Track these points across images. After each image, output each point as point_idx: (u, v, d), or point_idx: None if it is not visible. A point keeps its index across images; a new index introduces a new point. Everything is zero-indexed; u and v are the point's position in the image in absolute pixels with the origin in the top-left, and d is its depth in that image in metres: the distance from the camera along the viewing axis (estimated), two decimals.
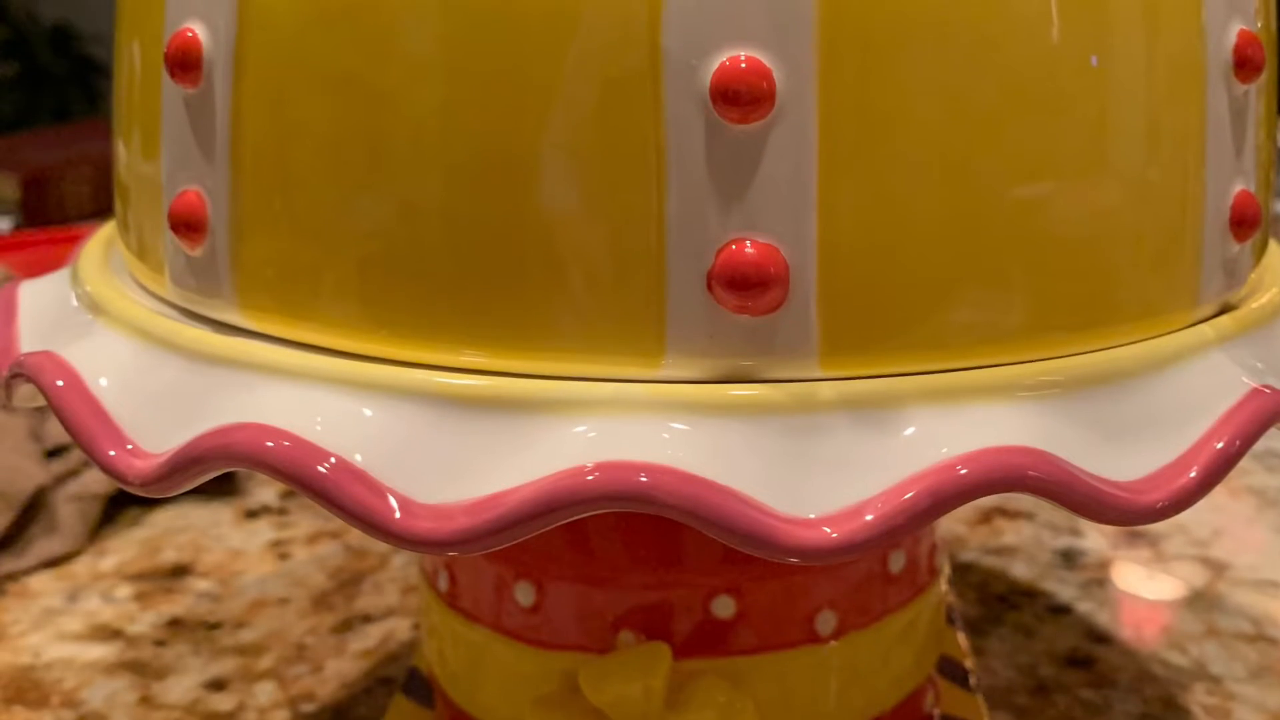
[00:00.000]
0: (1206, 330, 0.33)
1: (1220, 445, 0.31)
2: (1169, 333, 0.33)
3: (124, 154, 0.37)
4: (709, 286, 0.29)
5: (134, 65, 0.36)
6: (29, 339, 0.37)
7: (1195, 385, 0.32)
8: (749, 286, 0.29)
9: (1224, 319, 0.34)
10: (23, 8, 1.79)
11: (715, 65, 0.29)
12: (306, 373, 0.31)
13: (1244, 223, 0.34)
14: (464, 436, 0.30)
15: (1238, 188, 0.34)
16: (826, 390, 0.30)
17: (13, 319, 0.38)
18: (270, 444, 0.29)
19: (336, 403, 0.30)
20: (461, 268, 0.30)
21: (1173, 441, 0.31)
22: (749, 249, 0.29)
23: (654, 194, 0.29)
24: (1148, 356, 0.32)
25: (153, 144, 0.35)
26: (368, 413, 0.30)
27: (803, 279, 0.29)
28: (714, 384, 0.30)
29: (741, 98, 0.29)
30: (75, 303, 0.37)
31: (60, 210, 1.15)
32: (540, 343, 0.30)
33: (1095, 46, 0.31)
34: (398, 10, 0.30)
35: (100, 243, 0.41)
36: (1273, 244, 0.40)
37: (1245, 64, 0.34)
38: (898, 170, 0.30)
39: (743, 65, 0.29)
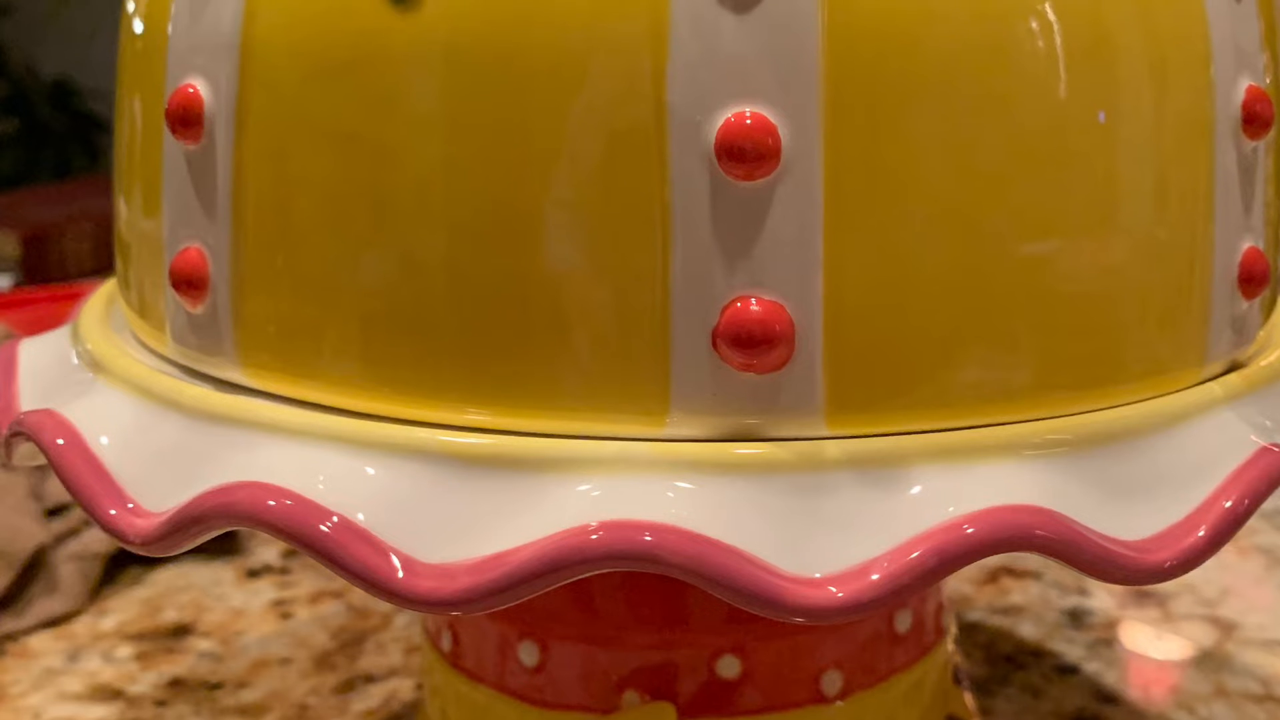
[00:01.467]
0: (1215, 388, 0.33)
1: (1229, 504, 0.31)
2: (1177, 391, 0.33)
3: (125, 211, 0.37)
4: (714, 344, 0.29)
5: (135, 121, 0.36)
6: (29, 397, 0.37)
7: (1203, 444, 0.32)
8: (754, 344, 0.29)
9: (1233, 377, 0.34)
10: (22, 63, 1.79)
11: (720, 121, 0.29)
12: (308, 431, 0.31)
13: (1252, 280, 0.34)
14: (467, 495, 0.29)
15: (1246, 245, 0.34)
16: (832, 449, 0.29)
17: (13, 377, 0.38)
18: (272, 503, 0.29)
19: (339, 461, 0.30)
20: (464, 325, 0.30)
21: (1181, 500, 0.31)
22: (754, 306, 0.29)
23: (659, 251, 0.29)
24: (1155, 415, 0.32)
25: (154, 201, 0.34)
26: (370, 471, 0.30)
27: (808, 337, 0.29)
28: (719, 442, 0.30)
29: (747, 154, 0.28)
30: (76, 360, 0.37)
31: (61, 268, 1.15)
32: (544, 401, 0.30)
33: (1103, 103, 0.31)
34: (400, 65, 0.30)
35: (101, 300, 0.41)
36: None
37: (1254, 120, 0.34)
38: (904, 227, 0.30)
39: (748, 121, 0.28)
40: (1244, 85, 0.34)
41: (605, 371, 0.30)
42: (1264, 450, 0.32)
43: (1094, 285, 0.31)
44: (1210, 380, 0.34)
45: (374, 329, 0.31)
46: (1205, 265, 0.33)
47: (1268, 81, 0.35)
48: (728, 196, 0.29)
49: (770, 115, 0.29)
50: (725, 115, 0.29)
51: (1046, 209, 0.31)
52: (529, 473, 0.29)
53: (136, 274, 0.37)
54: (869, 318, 0.30)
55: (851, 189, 0.29)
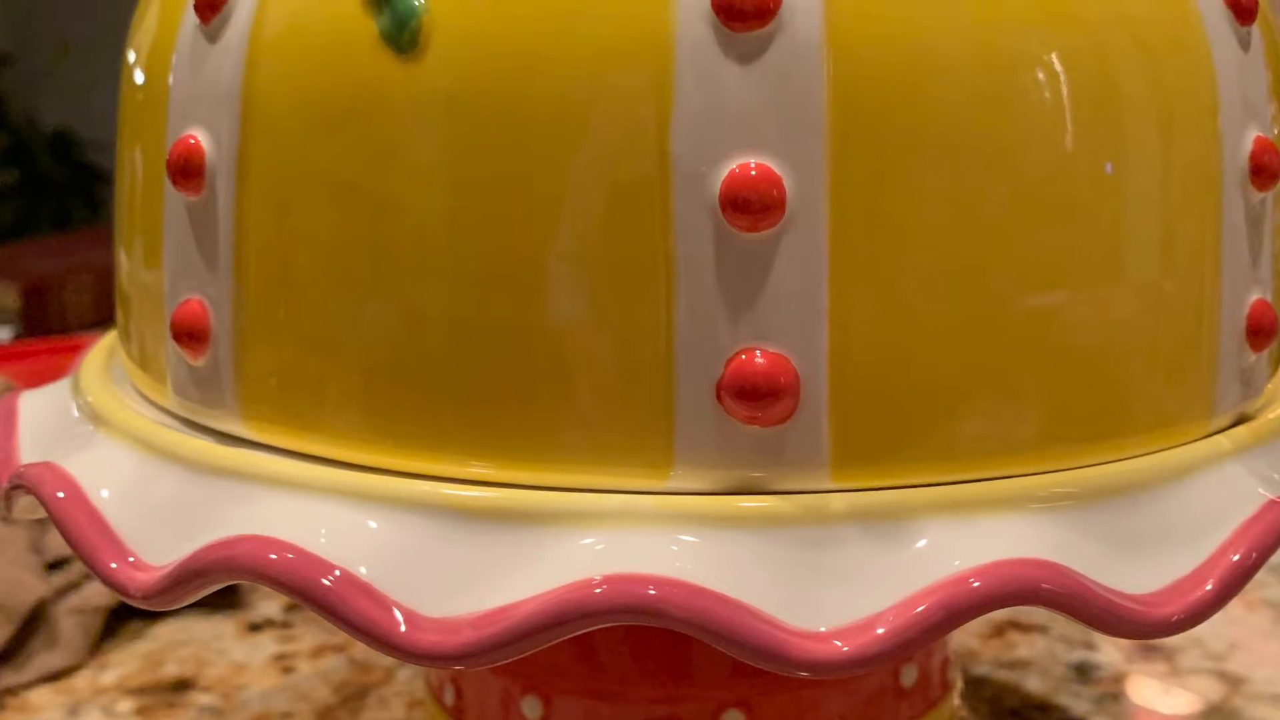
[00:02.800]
0: (1222, 441, 0.33)
1: (1236, 557, 0.30)
2: (1184, 444, 0.33)
3: (126, 263, 0.37)
4: (718, 397, 0.29)
5: (136, 173, 0.36)
6: (29, 450, 0.36)
7: (1211, 497, 0.32)
8: (759, 397, 0.29)
9: (1240, 430, 0.34)
10: (23, 114, 1.80)
11: (725, 172, 0.28)
12: (310, 484, 0.31)
13: (1260, 332, 0.34)
14: (470, 549, 0.29)
15: (1254, 297, 0.34)
16: (837, 502, 0.29)
17: (13, 430, 0.38)
18: (274, 556, 0.29)
19: (341, 514, 0.30)
20: (467, 378, 0.30)
21: (1188, 554, 0.31)
22: (759, 359, 0.29)
23: (663, 303, 0.29)
24: (1162, 468, 0.32)
25: (155, 252, 0.34)
26: (373, 524, 0.30)
27: (814, 389, 0.29)
28: (723, 495, 0.29)
29: (751, 205, 0.28)
30: (76, 413, 0.37)
31: (61, 320, 1.15)
32: (547, 454, 0.30)
33: (1110, 154, 0.31)
34: (402, 116, 0.30)
35: (102, 352, 0.41)
36: None
37: (1262, 172, 0.33)
38: (910, 279, 0.30)
39: (753, 173, 0.28)
40: (1252, 136, 0.33)
41: (608, 424, 0.30)
42: (1272, 503, 0.32)
43: (1100, 338, 0.31)
44: (1218, 433, 0.34)
45: (376, 382, 0.31)
46: (1212, 317, 0.33)
47: (1276, 132, 0.34)
48: (732, 248, 0.29)
49: (775, 166, 0.28)
50: (730, 166, 0.28)
51: (1052, 261, 0.31)
52: (532, 526, 0.29)
53: (137, 326, 0.37)
54: (874, 370, 0.30)
55: (857, 240, 0.29)
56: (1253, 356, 0.34)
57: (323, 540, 0.29)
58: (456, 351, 0.30)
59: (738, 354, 0.29)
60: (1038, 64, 0.30)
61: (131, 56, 0.37)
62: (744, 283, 0.29)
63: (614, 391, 0.29)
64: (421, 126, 0.30)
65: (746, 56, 0.29)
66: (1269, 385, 0.36)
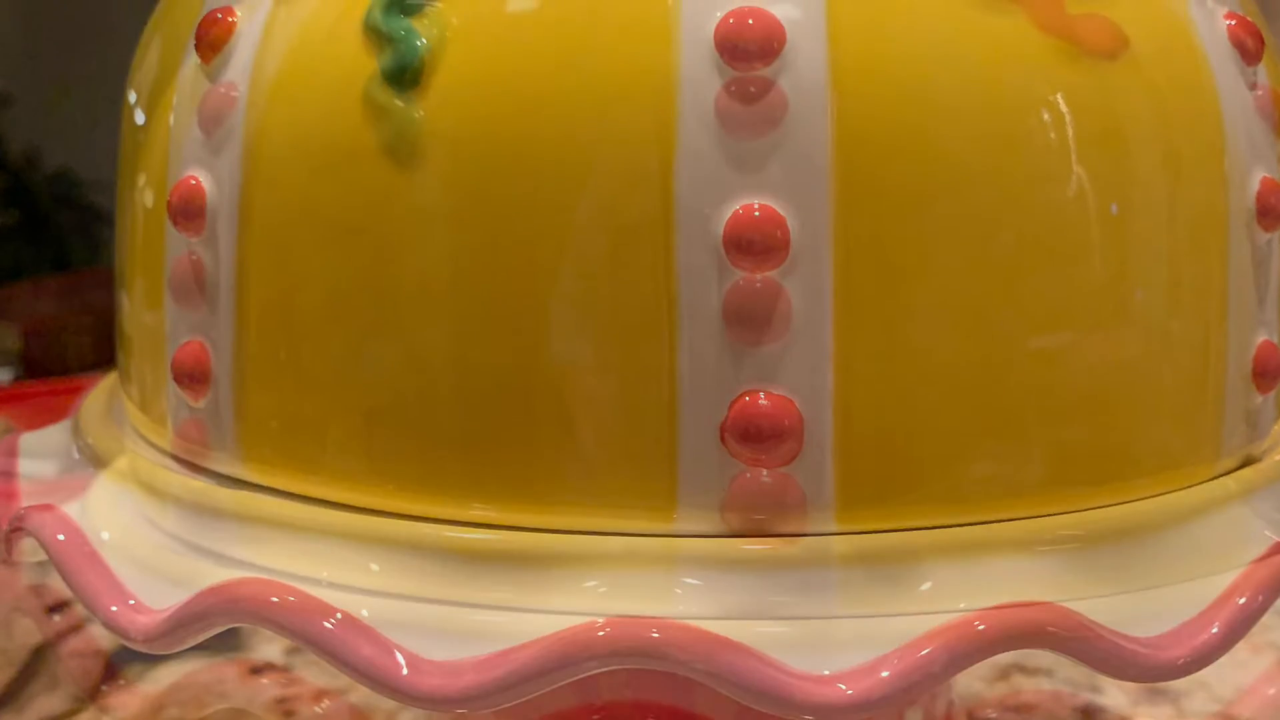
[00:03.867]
0: (1229, 483, 0.33)
1: (1243, 600, 0.30)
2: (1190, 486, 0.32)
3: (127, 305, 0.37)
4: (722, 439, 0.29)
5: (137, 214, 0.36)
6: (30, 492, 0.36)
7: (1217, 539, 0.32)
8: (763, 439, 0.29)
9: (1247, 471, 0.34)
10: (23, 154, 1.79)
11: (729, 213, 0.28)
12: (312, 527, 0.31)
13: (1266, 374, 0.34)
14: (473, 591, 0.29)
15: (1260, 338, 0.34)
16: (842, 545, 0.29)
17: (13, 472, 0.38)
18: (275, 599, 0.29)
19: (343, 557, 0.30)
20: (469, 420, 0.30)
21: (1194, 597, 0.30)
22: (763, 401, 0.29)
23: (665, 345, 0.29)
24: (1168, 510, 0.31)
25: (156, 294, 0.34)
26: (375, 567, 0.30)
27: (818, 432, 0.29)
28: (727, 538, 0.29)
29: (755, 247, 0.28)
30: (77, 455, 0.37)
31: (61, 362, 1.14)
32: (549, 496, 0.30)
33: (1116, 195, 0.31)
34: (404, 159, 0.30)
35: (102, 394, 0.41)
36: None
37: (1269, 213, 0.33)
38: (915, 321, 0.29)
39: (756, 214, 0.28)
40: (1259, 177, 0.33)
41: (612, 466, 0.29)
42: (1278, 546, 0.31)
43: (1106, 380, 0.31)
44: (1224, 475, 0.33)
45: (377, 424, 0.31)
46: (1219, 359, 0.33)
47: None
48: (736, 289, 0.29)
49: (779, 207, 0.28)
50: (733, 207, 0.28)
51: (1058, 303, 0.30)
52: (534, 569, 0.29)
53: (138, 368, 0.36)
54: (879, 413, 0.29)
55: (861, 282, 0.29)
56: (1259, 398, 0.34)
57: (325, 583, 0.29)
58: (458, 394, 0.30)
59: (741, 396, 0.29)
60: (1044, 105, 0.30)
61: (133, 97, 0.36)
62: (748, 324, 0.29)
63: (617, 434, 0.29)
64: (422, 165, 0.30)
65: (750, 96, 0.28)
66: (1276, 427, 0.36)
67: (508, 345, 0.29)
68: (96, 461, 0.36)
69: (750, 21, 0.28)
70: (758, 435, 0.29)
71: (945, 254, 0.29)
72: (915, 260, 0.29)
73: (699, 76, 0.29)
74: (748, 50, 0.28)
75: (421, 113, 0.30)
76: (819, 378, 0.29)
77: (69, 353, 1.17)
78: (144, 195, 0.35)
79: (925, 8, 0.30)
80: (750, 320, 0.29)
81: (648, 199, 0.29)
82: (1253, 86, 0.34)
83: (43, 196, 1.78)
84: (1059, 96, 0.30)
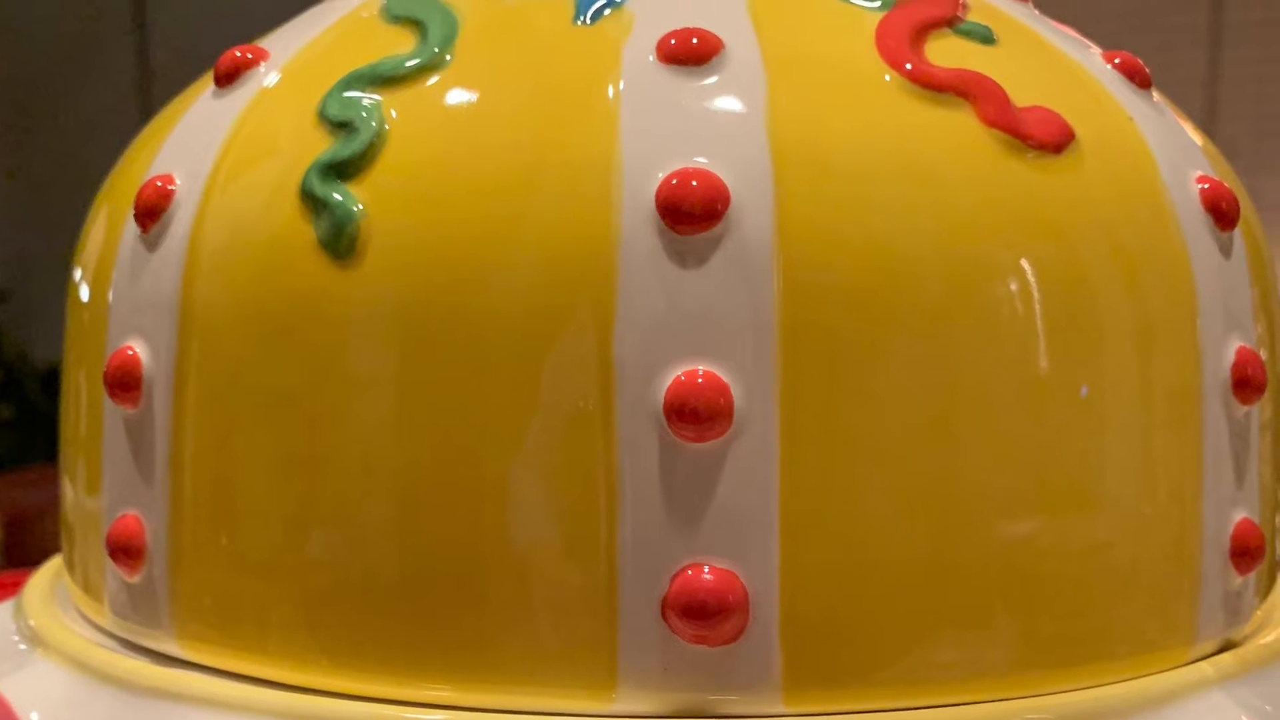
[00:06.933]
0: (1206, 668, 0.32)
1: None
2: (1165, 670, 0.31)
3: (70, 491, 0.36)
4: (663, 614, 0.28)
5: (80, 393, 0.35)
6: None
7: None
8: (706, 615, 0.27)
9: (1226, 656, 0.32)
10: (15, 349, 1.81)
11: (670, 380, 0.27)
12: (246, 706, 0.30)
13: (1246, 554, 0.32)
14: None
15: (1239, 516, 0.33)
16: None
17: None
18: None
19: None
20: (409, 598, 0.29)
21: None
22: (706, 575, 0.28)
23: (604, 516, 0.28)
24: (1141, 695, 0.30)
25: (95, 473, 0.34)
26: None
27: (764, 607, 0.28)
28: (669, 719, 0.28)
29: (698, 415, 0.27)
30: (15, 635, 0.36)
31: (42, 550, 1.14)
32: (489, 674, 0.29)
33: (1086, 371, 0.30)
34: (340, 326, 0.29)
35: (48, 574, 0.40)
36: None
37: (1245, 384, 0.32)
38: (867, 496, 0.28)
39: (699, 380, 0.27)
40: (1234, 347, 0.32)
41: (549, 644, 0.29)
42: None
43: (1076, 564, 0.30)
44: (1201, 660, 0.32)
45: (316, 605, 0.30)
46: (1194, 540, 0.32)
47: (1257, 338, 0.33)
48: (678, 459, 0.28)
49: (722, 373, 0.28)
50: (675, 373, 0.28)
51: (1023, 485, 0.29)
52: None
53: (80, 552, 0.36)
54: (830, 589, 0.28)
55: (809, 453, 0.28)
56: (1238, 579, 0.33)
57: None
58: (403, 573, 0.29)
59: (684, 569, 0.28)
60: (1011, 274, 0.29)
61: (78, 274, 0.36)
62: (691, 495, 0.28)
63: (556, 610, 0.28)
64: (359, 336, 0.29)
65: (693, 260, 0.28)
66: (1258, 611, 0.34)
67: (450, 523, 0.29)
68: (34, 641, 0.35)
69: (694, 183, 0.28)
70: (701, 611, 0.27)
71: (899, 427, 0.28)
72: (867, 432, 0.28)
73: (640, 240, 0.28)
74: (691, 212, 0.28)
75: (357, 280, 0.29)
76: (765, 551, 0.28)
77: (48, 541, 1.16)
78: (85, 372, 0.35)
79: (877, 169, 0.29)
80: (693, 491, 0.28)
81: (585, 367, 0.28)
82: (1228, 253, 0.33)
83: (35, 391, 1.80)
84: (1024, 263, 0.29)
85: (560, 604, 0.28)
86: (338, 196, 0.29)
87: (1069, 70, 0.33)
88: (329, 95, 0.31)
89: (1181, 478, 0.31)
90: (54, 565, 0.41)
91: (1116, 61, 0.34)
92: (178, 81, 0.39)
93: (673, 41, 0.30)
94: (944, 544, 0.29)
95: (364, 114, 0.30)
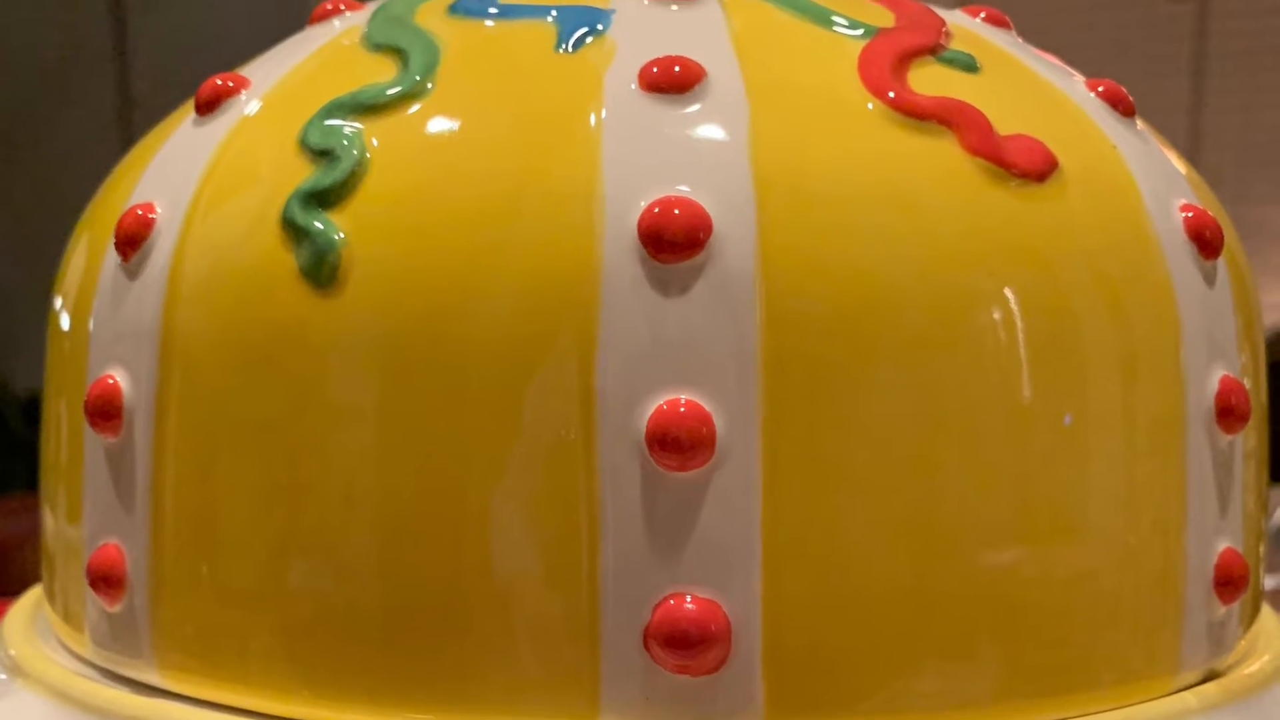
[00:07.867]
0: (1189, 698, 0.31)
1: None
2: (1148, 700, 0.31)
3: (50, 520, 0.36)
4: (645, 644, 0.28)
5: (60, 422, 0.35)
6: None
7: None
8: (688, 645, 0.27)
9: (1209, 686, 0.32)
10: None
11: (652, 409, 0.27)
12: None
13: (1230, 583, 0.32)
14: None
15: (1222, 546, 0.32)
16: None
17: None
18: None
19: None
20: (391, 630, 0.29)
21: None
22: (689, 604, 0.27)
23: (585, 546, 0.28)
24: None
25: (75, 502, 0.33)
26: None
27: (746, 637, 0.28)
28: None
29: (680, 444, 0.27)
30: None
31: (22, 580, 1.13)
32: (471, 703, 0.29)
33: (1069, 400, 0.30)
34: (321, 354, 0.29)
35: (29, 603, 0.40)
36: (1267, 609, 0.37)
37: (1229, 413, 0.32)
38: (851, 525, 0.28)
39: (681, 409, 0.27)
40: (1218, 376, 0.32)
41: (532, 672, 0.28)
42: None
43: (1060, 594, 0.30)
44: (1185, 689, 0.32)
45: (298, 635, 0.30)
46: (1178, 569, 0.32)
47: (1241, 366, 0.33)
48: (660, 488, 0.28)
49: (704, 403, 0.27)
50: (657, 402, 0.27)
51: (1007, 514, 0.29)
52: None
53: (61, 582, 0.36)
54: (812, 619, 0.28)
55: (792, 482, 0.28)
56: (1222, 609, 0.33)
57: None
58: (384, 603, 0.29)
59: (666, 599, 0.28)
60: (994, 303, 0.29)
61: (58, 302, 0.36)
62: (673, 525, 0.28)
63: (537, 640, 0.28)
64: (341, 365, 0.29)
65: (675, 288, 0.28)
66: (1242, 641, 0.34)
67: (431, 552, 0.29)
68: (14, 670, 0.35)
69: (676, 212, 0.28)
70: (683, 640, 0.27)
71: (883, 457, 0.28)
72: (850, 461, 0.28)
73: (622, 268, 0.28)
74: (673, 241, 0.28)
75: (338, 309, 0.29)
76: (747, 581, 0.28)
77: (28, 570, 1.16)
78: (66, 402, 0.35)
79: (860, 197, 0.29)
80: (675, 520, 0.28)
81: (567, 396, 0.28)
82: (1211, 281, 0.32)
83: (15, 420, 1.79)
84: (1007, 292, 0.29)
85: (542, 633, 0.28)
86: (319, 225, 0.29)
87: (1052, 98, 0.33)
88: (310, 123, 0.31)
89: (1165, 507, 0.31)
90: (34, 595, 0.41)
91: (1100, 90, 0.34)
92: (158, 110, 0.38)
93: (655, 70, 0.30)
94: (927, 573, 0.29)
95: (345, 142, 0.30)
